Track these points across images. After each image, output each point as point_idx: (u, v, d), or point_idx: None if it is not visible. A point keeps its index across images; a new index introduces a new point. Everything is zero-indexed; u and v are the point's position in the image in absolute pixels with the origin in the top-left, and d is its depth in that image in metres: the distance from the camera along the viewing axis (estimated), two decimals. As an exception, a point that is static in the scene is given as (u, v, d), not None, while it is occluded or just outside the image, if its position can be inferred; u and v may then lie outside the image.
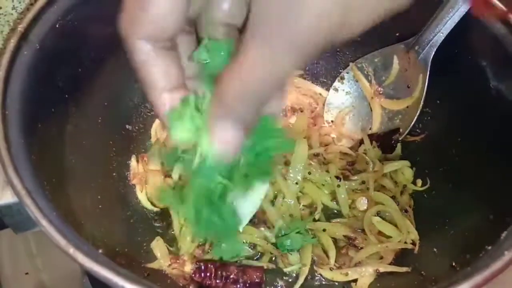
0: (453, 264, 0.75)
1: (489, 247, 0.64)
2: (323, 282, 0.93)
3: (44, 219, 0.54)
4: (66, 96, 0.86)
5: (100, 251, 0.58)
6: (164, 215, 0.99)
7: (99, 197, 0.90)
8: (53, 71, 0.81)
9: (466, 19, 0.88)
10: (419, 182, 1.02)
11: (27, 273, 1.02)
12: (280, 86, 0.45)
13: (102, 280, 0.52)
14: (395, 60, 1.03)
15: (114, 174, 0.99)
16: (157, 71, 0.48)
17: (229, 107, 0.46)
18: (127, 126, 1.06)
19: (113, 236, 0.86)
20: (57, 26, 0.81)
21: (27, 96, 0.73)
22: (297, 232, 0.92)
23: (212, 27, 0.53)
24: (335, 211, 1.01)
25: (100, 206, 0.89)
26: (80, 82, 0.90)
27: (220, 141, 0.48)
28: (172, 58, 0.49)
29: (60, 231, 0.54)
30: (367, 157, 1.01)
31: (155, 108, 0.51)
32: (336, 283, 0.92)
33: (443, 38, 0.92)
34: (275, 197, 0.98)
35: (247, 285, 0.88)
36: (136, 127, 1.09)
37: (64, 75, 0.84)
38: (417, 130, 1.05)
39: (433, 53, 0.95)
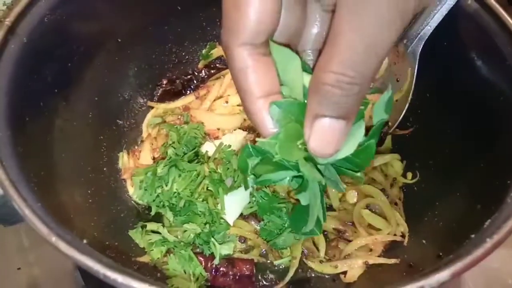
0: (440, 254, 0.75)
1: (473, 235, 0.65)
2: (313, 275, 0.93)
3: (27, 209, 0.55)
4: (55, 90, 0.86)
5: (85, 241, 0.58)
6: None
7: (89, 191, 0.90)
8: (42, 65, 0.82)
9: (453, 11, 0.89)
10: (409, 175, 1.02)
11: (19, 268, 1.02)
12: (381, 61, 0.45)
13: (84, 268, 0.52)
14: (385, 54, 1.03)
15: (104, 169, 0.99)
16: (254, 78, 0.49)
17: (328, 95, 0.45)
18: (118, 121, 1.06)
19: (103, 230, 0.86)
20: (45, 20, 0.81)
21: (14, 90, 0.74)
22: (290, 232, 0.92)
23: (303, 54, 0.58)
24: (325, 204, 1.01)
25: (90, 201, 0.89)
26: (69, 77, 0.90)
27: (319, 139, 0.48)
28: (268, 65, 0.50)
29: (43, 221, 0.55)
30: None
31: (250, 114, 0.52)
32: (326, 276, 0.93)
33: (431, 31, 0.92)
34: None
35: (237, 277, 0.89)
36: (128, 122, 1.09)
37: (53, 69, 0.85)
38: (407, 123, 1.05)
39: (422, 46, 0.95)
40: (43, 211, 0.57)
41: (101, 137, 1.00)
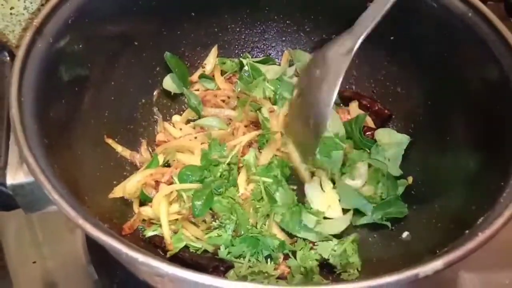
0: (437, 252, 0.79)
1: (467, 231, 0.69)
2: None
3: (57, 194, 0.60)
4: (76, 89, 0.91)
5: (106, 225, 0.63)
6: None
7: (106, 186, 0.95)
8: (65, 64, 0.87)
9: (453, 23, 0.93)
10: (410, 179, 1.05)
11: (34, 262, 1.04)
12: None
13: (107, 248, 0.57)
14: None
15: (126, 165, 1.04)
16: None
17: None
18: (131, 123, 1.10)
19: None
20: (69, 22, 0.86)
21: (40, 86, 0.79)
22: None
23: None
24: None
25: (106, 195, 0.94)
26: (89, 77, 0.95)
27: None
28: None
29: (71, 205, 0.59)
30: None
31: None
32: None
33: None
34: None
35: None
36: (143, 123, 1.13)
37: (75, 69, 0.90)
38: (410, 130, 1.09)
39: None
40: (69, 197, 0.62)
41: (118, 134, 1.05)
